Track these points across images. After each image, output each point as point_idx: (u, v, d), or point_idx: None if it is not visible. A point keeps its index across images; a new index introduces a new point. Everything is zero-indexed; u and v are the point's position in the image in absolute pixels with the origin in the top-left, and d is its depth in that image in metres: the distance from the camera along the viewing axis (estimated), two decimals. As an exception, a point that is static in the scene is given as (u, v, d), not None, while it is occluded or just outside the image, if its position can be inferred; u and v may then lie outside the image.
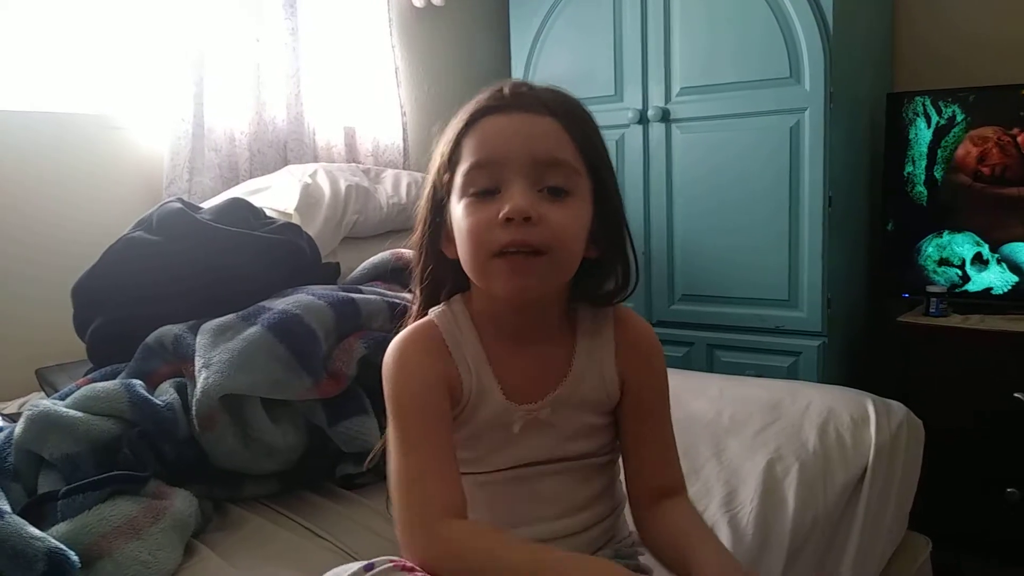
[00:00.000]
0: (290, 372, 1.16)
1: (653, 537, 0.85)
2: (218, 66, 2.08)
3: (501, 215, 0.75)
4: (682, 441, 0.92)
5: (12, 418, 1.35)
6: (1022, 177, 2.04)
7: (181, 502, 1.05)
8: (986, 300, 2.11)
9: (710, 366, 2.27)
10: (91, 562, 0.92)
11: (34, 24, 1.86)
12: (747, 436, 1.40)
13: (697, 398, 1.58)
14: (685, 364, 2.21)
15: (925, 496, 1.60)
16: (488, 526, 0.80)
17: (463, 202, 0.78)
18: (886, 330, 2.18)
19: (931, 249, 2.18)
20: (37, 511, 0.98)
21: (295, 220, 1.75)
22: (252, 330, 1.19)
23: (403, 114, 2.54)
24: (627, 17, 2.35)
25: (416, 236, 0.86)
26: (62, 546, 0.89)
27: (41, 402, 1.12)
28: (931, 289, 2.12)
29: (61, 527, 0.95)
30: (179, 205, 1.45)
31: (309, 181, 1.94)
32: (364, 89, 2.44)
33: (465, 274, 0.83)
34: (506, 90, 0.80)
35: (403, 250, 1.61)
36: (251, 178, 2.10)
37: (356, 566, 0.68)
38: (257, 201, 1.68)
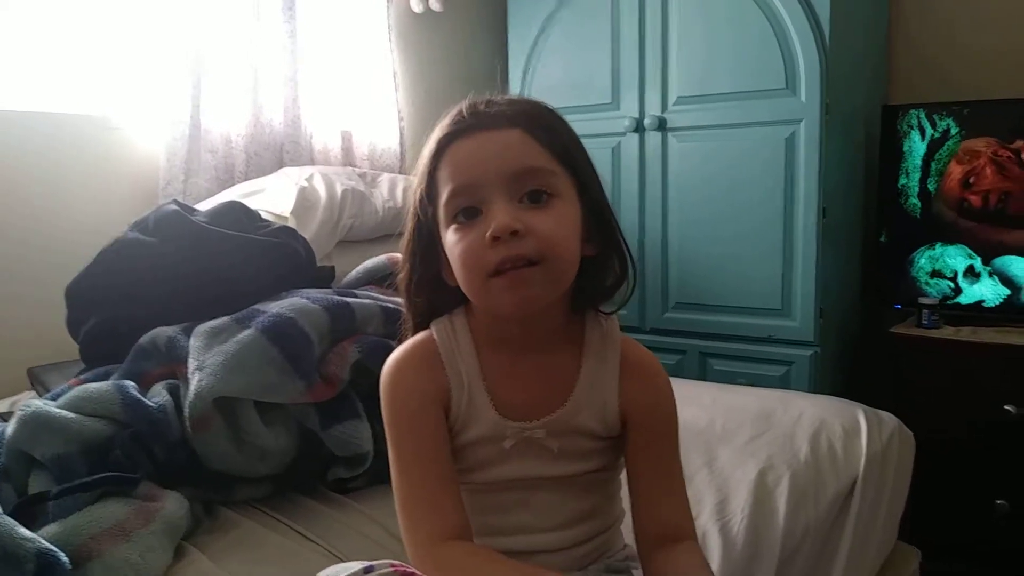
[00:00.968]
0: (283, 375, 1.16)
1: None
2: (215, 68, 2.08)
3: (488, 235, 0.74)
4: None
5: (3, 417, 1.35)
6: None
7: (172, 504, 1.04)
8: (978, 312, 2.12)
9: (703, 374, 2.27)
10: (81, 563, 0.92)
11: (32, 24, 1.86)
12: (739, 445, 1.40)
13: (689, 406, 1.58)
14: (678, 372, 2.22)
15: (915, 507, 1.61)
16: (481, 549, 0.79)
17: (450, 230, 0.78)
18: (878, 341, 2.19)
19: (924, 261, 2.19)
20: (28, 512, 0.98)
21: (291, 223, 1.75)
22: (246, 333, 1.19)
23: (400, 119, 2.54)
24: (624, 26, 2.36)
25: (405, 272, 0.85)
26: (52, 547, 0.88)
27: (33, 402, 1.12)
28: (923, 301, 2.13)
29: (52, 528, 0.94)
30: (175, 207, 1.45)
31: (305, 184, 1.94)
32: (361, 93, 2.44)
33: (462, 298, 0.82)
34: (465, 112, 0.80)
35: (398, 255, 1.61)
36: (247, 180, 2.10)
37: (356, 566, 0.68)
38: (253, 203, 1.68)
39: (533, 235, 0.75)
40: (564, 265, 0.78)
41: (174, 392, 1.17)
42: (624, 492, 0.89)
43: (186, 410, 1.12)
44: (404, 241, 0.84)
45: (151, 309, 1.32)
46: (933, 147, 2.15)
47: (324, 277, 1.55)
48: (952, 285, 2.15)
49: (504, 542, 0.82)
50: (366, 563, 0.69)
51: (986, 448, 1.97)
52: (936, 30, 2.39)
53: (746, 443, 1.41)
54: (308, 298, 1.29)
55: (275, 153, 2.24)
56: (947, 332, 2.08)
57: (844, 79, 2.13)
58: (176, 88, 1.99)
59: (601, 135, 2.35)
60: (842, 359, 2.26)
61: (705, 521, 1.16)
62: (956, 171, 2.11)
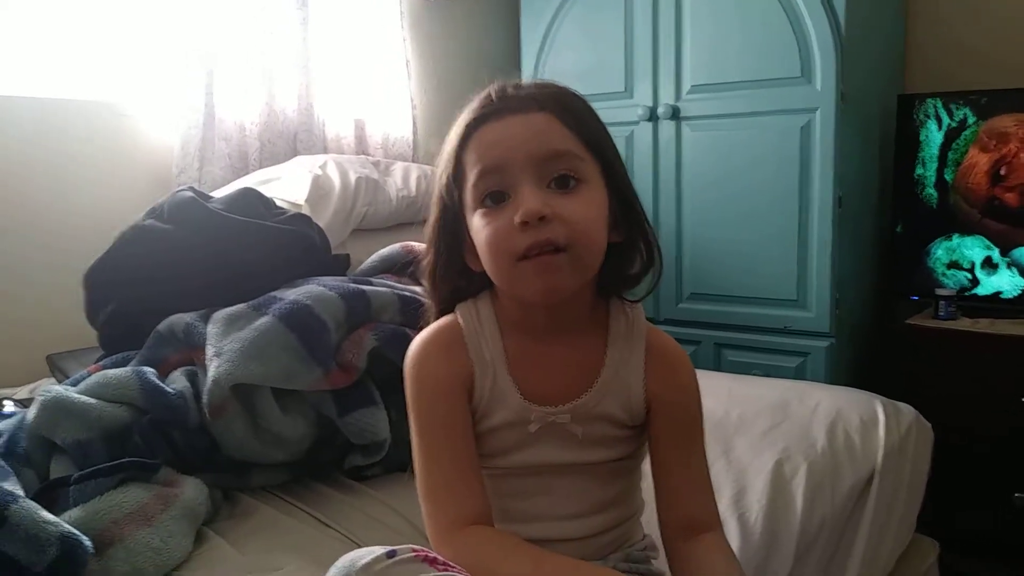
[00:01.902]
0: (300, 362, 1.16)
1: (681, 573, 0.82)
2: (229, 56, 2.07)
3: (516, 220, 0.74)
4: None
5: (23, 403, 1.36)
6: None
7: (192, 490, 1.05)
8: (995, 304, 2.10)
9: (717, 365, 2.26)
10: (102, 548, 0.92)
11: (46, 12, 1.86)
12: (755, 436, 1.39)
13: (705, 397, 1.55)
14: (692, 363, 2.20)
15: (933, 499, 1.60)
16: (502, 534, 0.79)
17: (477, 214, 0.78)
18: (894, 332, 2.18)
19: (940, 252, 2.17)
20: (49, 496, 0.99)
21: (305, 211, 1.74)
22: (263, 320, 1.19)
23: (413, 107, 2.54)
24: (638, 13, 2.34)
25: (430, 259, 0.84)
26: (75, 531, 0.89)
27: (54, 388, 1.12)
28: (940, 292, 2.11)
29: (73, 512, 0.95)
30: (191, 194, 1.45)
31: (319, 172, 1.93)
32: (374, 81, 2.43)
33: (486, 283, 0.82)
34: (493, 95, 0.79)
35: (413, 243, 1.61)
36: (260, 168, 2.10)
37: (379, 551, 0.68)
38: (267, 191, 1.68)
39: (561, 221, 0.74)
40: (591, 252, 0.77)
41: (192, 379, 1.17)
42: (647, 483, 0.89)
43: (204, 396, 1.13)
44: (429, 226, 0.84)
45: (168, 295, 1.32)
46: (950, 137, 2.13)
47: (339, 265, 1.55)
48: (969, 276, 2.13)
49: (523, 529, 0.82)
50: (388, 548, 0.69)
51: (1004, 441, 1.96)
52: (953, 18, 2.37)
53: (763, 434, 1.40)
54: (324, 285, 1.28)
55: (288, 141, 2.23)
56: (964, 324, 2.06)
57: (860, 67, 2.11)
58: (190, 76, 1.99)
59: (614, 124, 2.32)
60: (858, 350, 2.25)
61: (722, 511, 1.14)
62: (982, 161, 2.07)
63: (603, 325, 0.85)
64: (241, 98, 2.12)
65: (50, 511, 0.92)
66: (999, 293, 2.10)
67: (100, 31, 1.95)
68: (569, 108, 0.79)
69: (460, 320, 0.84)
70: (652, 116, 2.32)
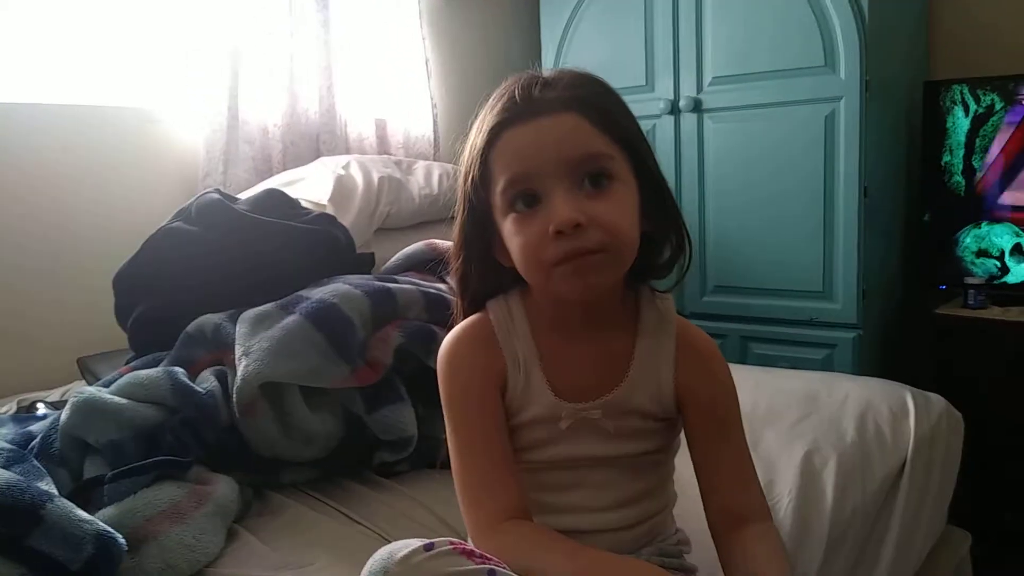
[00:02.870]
0: (328, 360, 1.17)
1: (729, 567, 0.81)
2: (252, 60, 2.10)
3: (551, 229, 0.73)
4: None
5: (55, 406, 1.38)
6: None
7: (224, 487, 1.06)
8: (1026, 292, 2.07)
9: (743, 358, 2.25)
10: (136, 545, 0.93)
11: (75, 19, 1.89)
12: (784, 427, 1.39)
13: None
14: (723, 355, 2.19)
15: (964, 489, 1.58)
16: (541, 529, 0.79)
17: (509, 218, 0.77)
18: (923, 322, 2.15)
19: (969, 240, 2.14)
20: (83, 496, 1.00)
21: (329, 211, 1.76)
22: (291, 319, 1.20)
23: (433, 106, 2.54)
24: (658, 6, 2.33)
25: (460, 262, 0.83)
26: (110, 529, 0.90)
27: (86, 389, 1.14)
28: (969, 280, 2.09)
29: (108, 511, 0.96)
30: (217, 196, 1.47)
31: (342, 172, 1.95)
32: (395, 81, 2.45)
33: (516, 278, 0.82)
34: (518, 97, 0.77)
35: (437, 241, 1.62)
36: (284, 170, 2.12)
37: (416, 543, 0.69)
38: (291, 192, 1.69)
39: (596, 226, 0.74)
40: (627, 250, 0.77)
41: (222, 378, 1.18)
42: (679, 476, 0.89)
43: (233, 395, 1.14)
44: (456, 228, 0.83)
45: (196, 296, 1.33)
46: (977, 123, 2.10)
47: (364, 263, 1.56)
48: (999, 264, 2.10)
49: (555, 521, 0.82)
50: (426, 540, 0.69)
51: (1036, 430, 1.93)
52: (978, 3, 2.33)
53: (791, 425, 1.39)
54: (350, 284, 1.29)
55: (311, 142, 2.25)
56: (994, 312, 2.03)
57: (884, 55, 2.08)
58: (215, 80, 2.02)
59: (636, 117, 2.32)
60: (886, 341, 2.22)
61: (752, 503, 1.15)
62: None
63: (633, 318, 0.85)
64: (264, 101, 2.14)
65: (86, 510, 0.93)
66: (1030, 281, 2.07)
67: (128, 39, 1.98)
68: (596, 105, 0.78)
69: (492, 317, 0.84)
70: (674, 109, 2.31)
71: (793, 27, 2.09)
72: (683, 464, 0.89)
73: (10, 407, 1.47)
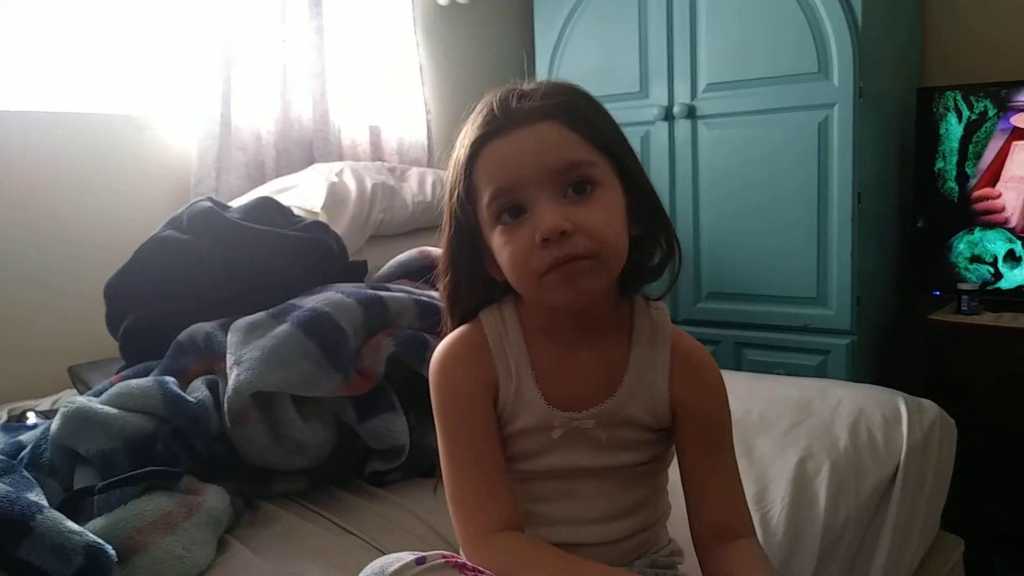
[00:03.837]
0: (320, 369, 1.17)
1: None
2: (245, 66, 2.09)
3: (538, 238, 0.73)
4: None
5: (46, 415, 1.37)
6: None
7: (214, 498, 1.05)
8: (1019, 298, 2.08)
9: (738, 365, 2.25)
10: (127, 556, 0.93)
11: (65, 25, 1.88)
12: (777, 434, 1.39)
13: (726, 396, 1.57)
14: (718, 366, 2.19)
15: (957, 496, 1.58)
16: (529, 540, 0.79)
17: (496, 230, 0.77)
18: (916, 328, 2.15)
19: (962, 246, 2.15)
20: (74, 506, 1.00)
21: (322, 218, 1.76)
22: (282, 328, 1.20)
23: (427, 112, 2.55)
24: (652, 13, 2.34)
25: (449, 278, 0.83)
26: (100, 540, 0.90)
27: (77, 399, 1.13)
28: (963, 286, 2.09)
29: (98, 522, 0.96)
30: (209, 204, 1.47)
31: (335, 180, 1.95)
32: (389, 88, 2.45)
33: (508, 289, 0.82)
34: (496, 110, 0.77)
35: (430, 248, 1.61)
36: (277, 177, 2.11)
37: (408, 557, 0.68)
38: (284, 200, 1.69)
39: (583, 232, 0.74)
40: (615, 255, 0.77)
41: (213, 387, 1.18)
42: (671, 485, 0.88)
43: (225, 405, 1.13)
44: (444, 244, 0.83)
45: (188, 305, 1.33)
46: (970, 129, 2.11)
47: (357, 271, 1.56)
48: (992, 270, 2.11)
49: (548, 532, 0.82)
50: (418, 554, 0.68)
51: (1029, 436, 1.93)
52: (971, 10, 2.34)
53: (785, 432, 1.39)
54: (342, 292, 1.29)
55: (304, 149, 2.25)
56: (987, 318, 2.04)
57: (877, 62, 2.09)
58: (207, 87, 2.02)
59: (630, 124, 2.32)
60: (879, 347, 2.23)
61: (745, 511, 1.14)
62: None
63: (627, 326, 0.85)
64: (257, 107, 2.14)
65: (76, 521, 0.93)
66: (1022, 287, 2.07)
67: (119, 45, 1.98)
68: (576, 112, 0.78)
69: (485, 325, 0.84)
70: (668, 115, 2.32)
71: (787, 34, 2.10)
72: (674, 473, 0.89)
73: (0, 416, 1.47)
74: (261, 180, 2.12)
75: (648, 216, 0.81)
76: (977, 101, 2.09)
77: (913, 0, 2.38)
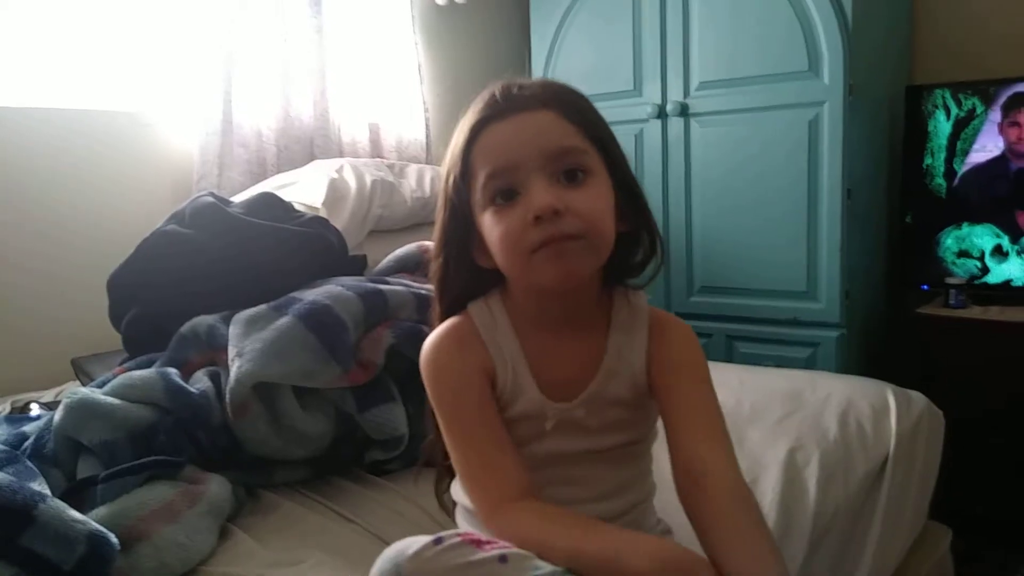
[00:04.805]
0: (320, 361, 1.18)
1: (700, 532, 0.76)
2: (246, 64, 2.11)
3: (530, 215, 0.76)
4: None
5: (49, 406, 1.39)
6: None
7: (216, 487, 1.07)
8: (1006, 292, 2.11)
9: (729, 357, 2.28)
10: (130, 545, 0.94)
11: (67, 23, 1.90)
12: (768, 425, 1.41)
13: (717, 388, 1.58)
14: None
15: (945, 486, 1.61)
16: (547, 507, 0.79)
17: (488, 212, 0.80)
18: (905, 322, 2.18)
19: (950, 241, 2.18)
20: (77, 496, 1.01)
21: (323, 214, 1.78)
22: (283, 320, 1.21)
23: (425, 110, 2.57)
24: (646, 12, 2.36)
25: (439, 261, 0.85)
26: (103, 529, 0.91)
27: (80, 390, 1.14)
28: (950, 281, 2.12)
29: (101, 510, 0.97)
30: (211, 199, 1.48)
31: (335, 176, 1.96)
32: (388, 86, 2.47)
33: (495, 281, 0.85)
34: (498, 96, 0.81)
35: (428, 243, 1.63)
36: (278, 173, 2.13)
37: (426, 539, 0.70)
38: (285, 195, 1.71)
39: (574, 213, 0.77)
40: (603, 239, 0.80)
41: (215, 379, 1.20)
42: (660, 472, 0.90)
43: (227, 396, 1.15)
44: (438, 227, 0.86)
45: (191, 298, 1.35)
46: (958, 127, 2.13)
47: (357, 265, 1.58)
48: (979, 265, 2.14)
49: None
50: (435, 535, 0.70)
51: (1015, 427, 1.96)
52: (960, 8, 2.37)
53: (775, 423, 1.41)
54: (342, 285, 1.31)
55: (305, 146, 2.27)
56: (975, 312, 2.07)
57: (867, 60, 2.11)
58: (208, 84, 2.03)
59: (623, 122, 2.35)
60: (868, 341, 2.26)
61: (736, 499, 1.16)
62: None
63: (607, 315, 0.88)
64: (258, 105, 2.16)
65: (79, 510, 0.93)
66: (1009, 281, 2.10)
67: (121, 42, 1.99)
68: (572, 105, 0.82)
69: (474, 317, 0.86)
70: (661, 113, 2.34)
71: (778, 33, 2.12)
72: (662, 459, 0.89)
73: (4, 408, 1.48)
74: (262, 176, 2.14)
75: (634, 214, 0.85)
76: (966, 99, 2.12)
77: (903, -1, 2.41)
